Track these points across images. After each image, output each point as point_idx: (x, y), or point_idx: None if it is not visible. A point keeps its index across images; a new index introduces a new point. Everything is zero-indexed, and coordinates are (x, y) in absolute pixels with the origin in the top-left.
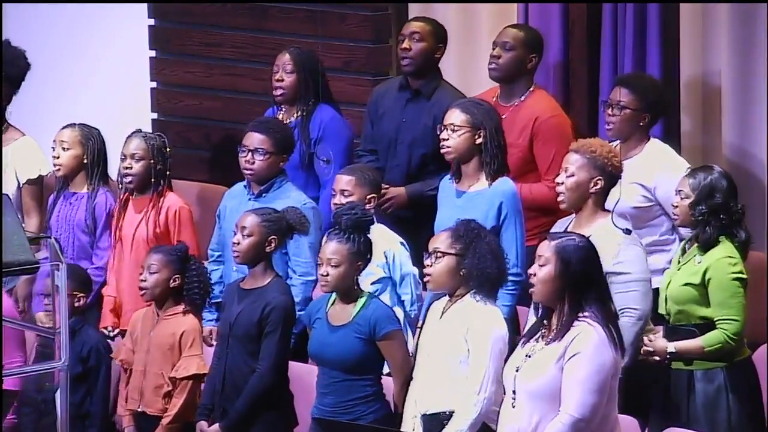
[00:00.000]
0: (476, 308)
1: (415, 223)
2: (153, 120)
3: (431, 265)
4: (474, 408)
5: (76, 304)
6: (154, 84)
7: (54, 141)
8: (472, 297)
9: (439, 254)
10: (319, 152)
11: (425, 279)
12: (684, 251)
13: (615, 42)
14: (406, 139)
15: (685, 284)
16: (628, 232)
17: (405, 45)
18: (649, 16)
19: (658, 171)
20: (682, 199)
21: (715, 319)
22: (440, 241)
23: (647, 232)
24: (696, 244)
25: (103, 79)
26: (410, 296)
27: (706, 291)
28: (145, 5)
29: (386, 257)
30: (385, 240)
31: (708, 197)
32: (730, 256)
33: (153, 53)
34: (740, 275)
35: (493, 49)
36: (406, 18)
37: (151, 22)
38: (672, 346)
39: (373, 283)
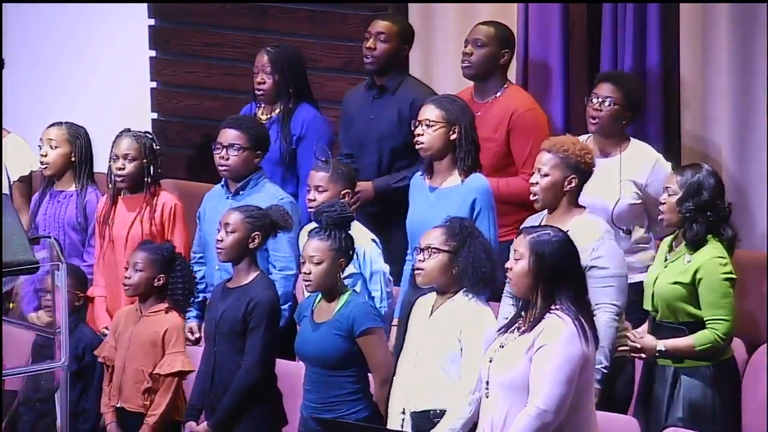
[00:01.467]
0: (469, 308)
1: (385, 219)
2: (153, 120)
3: (424, 261)
4: (467, 408)
5: (77, 303)
6: (154, 84)
7: (41, 139)
8: (464, 295)
9: (433, 250)
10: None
11: (416, 273)
12: (671, 248)
13: (615, 42)
14: (374, 136)
15: (674, 282)
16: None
17: (370, 44)
18: (649, 16)
19: (649, 168)
20: (669, 195)
21: (705, 319)
22: (434, 237)
23: (635, 229)
24: (684, 242)
25: (103, 79)
26: (380, 293)
27: (695, 290)
28: (145, 5)
29: (357, 254)
30: (357, 236)
31: (695, 194)
32: (720, 257)
33: (153, 53)
34: (730, 275)
35: (465, 46)
36: (406, 18)
37: (151, 22)
38: (662, 345)
39: (344, 278)
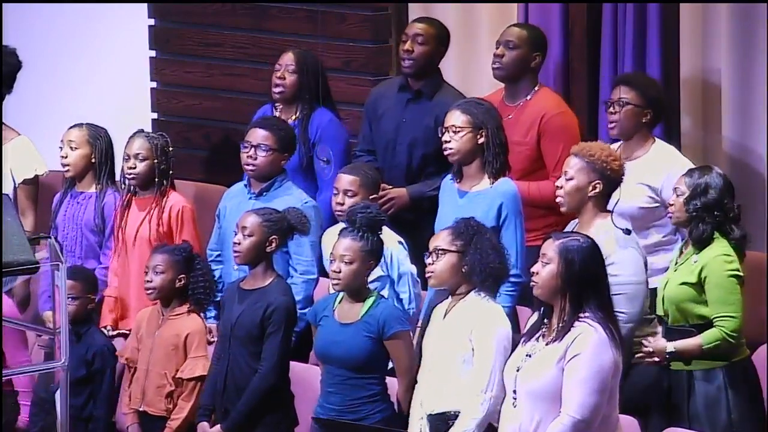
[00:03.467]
0: (480, 307)
1: (414, 224)
2: (153, 120)
3: (433, 263)
4: (481, 407)
5: (89, 306)
6: (154, 84)
7: (62, 141)
8: (476, 294)
9: (440, 252)
10: (318, 152)
11: (427, 276)
12: (681, 252)
13: (615, 42)
14: (406, 139)
15: (682, 283)
16: (627, 232)
17: (407, 47)
18: (649, 15)
19: (665, 172)
20: (678, 196)
21: (712, 317)
22: (441, 239)
23: (653, 233)
24: (691, 243)
25: (103, 79)
26: (408, 294)
27: (703, 289)
28: (145, 5)
29: (383, 256)
30: (384, 238)
31: (702, 194)
32: (725, 254)
33: (153, 53)
34: (736, 272)
35: (497, 48)
36: (406, 18)
37: (151, 22)
38: (671, 346)
39: (371, 281)
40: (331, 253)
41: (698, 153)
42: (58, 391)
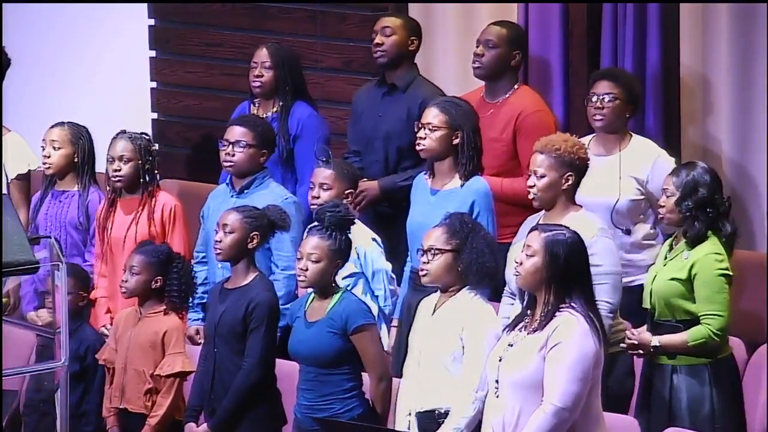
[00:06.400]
0: (471, 305)
1: (392, 217)
2: (153, 120)
3: (428, 262)
4: (472, 406)
5: (81, 304)
6: (154, 84)
7: (43, 140)
8: (469, 292)
9: (435, 251)
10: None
11: (421, 274)
12: (671, 247)
13: (615, 42)
14: (382, 133)
15: (672, 279)
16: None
17: (377, 40)
18: (649, 16)
19: (650, 163)
20: (667, 197)
21: (699, 315)
22: (435, 237)
23: (640, 226)
24: (684, 240)
25: (103, 79)
26: (383, 292)
27: (692, 286)
28: (145, 5)
29: (358, 254)
30: (357, 236)
31: (693, 192)
32: (716, 253)
33: (153, 53)
34: (726, 272)
35: (477, 47)
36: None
37: (151, 22)
38: (656, 340)
39: (344, 278)
40: (299, 251)
41: (698, 153)
42: (58, 391)
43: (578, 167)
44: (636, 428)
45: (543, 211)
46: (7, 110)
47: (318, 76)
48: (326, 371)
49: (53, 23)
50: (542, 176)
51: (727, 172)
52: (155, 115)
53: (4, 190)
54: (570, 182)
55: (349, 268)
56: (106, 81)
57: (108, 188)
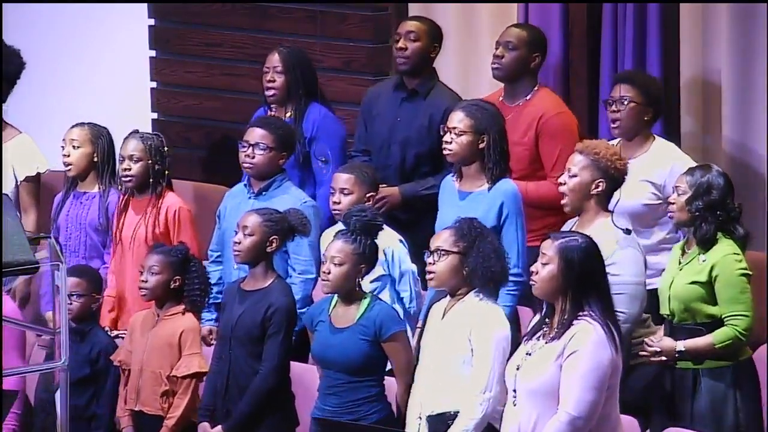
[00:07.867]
0: (479, 308)
1: (412, 222)
2: (153, 120)
3: (434, 263)
4: (479, 408)
5: (93, 306)
6: (154, 84)
7: (63, 140)
8: (475, 295)
9: (442, 252)
10: (317, 152)
11: (427, 277)
12: (683, 251)
13: (615, 42)
14: (400, 138)
15: (691, 282)
16: (628, 232)
17: (401, 44)
18: (649, 15)
19: (667, 168)
20: (678, 195)
21: (724, 316)
22: (443, 239)
23: (656, 230)
24: (695, 243)
25: (103, 79)
26: (409, 293)
27: (713, 289)
28: (145, 5)
29: (385, 255)
30: (384, 237)
31: (705, 194)
32: (735, 253)
33: (153, 53)
34: (746, 271)
35: (496, 48)
36: (407, 18)
37: (151, 22)
38: (681, 345)
39: (372, 281)
40: (323, 255)
41: (698, 153)
42: (58, 391)
43: (612, 176)
44: (636, 428)
45: (577, 217)
46: (7, 110)
47: (318, 76)
48: (355, 378)
49: (53, 23)
50: (574, 176)
51: (727, 171)
52: (155, 115)
53: (12, 192)
54: (600, 188)
55: (377, 270)
56: (106, 81)
57: (120, 188)
